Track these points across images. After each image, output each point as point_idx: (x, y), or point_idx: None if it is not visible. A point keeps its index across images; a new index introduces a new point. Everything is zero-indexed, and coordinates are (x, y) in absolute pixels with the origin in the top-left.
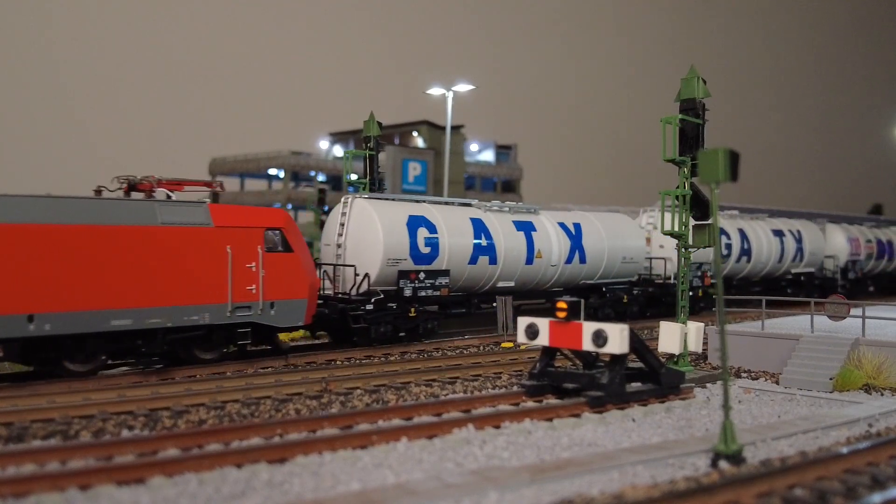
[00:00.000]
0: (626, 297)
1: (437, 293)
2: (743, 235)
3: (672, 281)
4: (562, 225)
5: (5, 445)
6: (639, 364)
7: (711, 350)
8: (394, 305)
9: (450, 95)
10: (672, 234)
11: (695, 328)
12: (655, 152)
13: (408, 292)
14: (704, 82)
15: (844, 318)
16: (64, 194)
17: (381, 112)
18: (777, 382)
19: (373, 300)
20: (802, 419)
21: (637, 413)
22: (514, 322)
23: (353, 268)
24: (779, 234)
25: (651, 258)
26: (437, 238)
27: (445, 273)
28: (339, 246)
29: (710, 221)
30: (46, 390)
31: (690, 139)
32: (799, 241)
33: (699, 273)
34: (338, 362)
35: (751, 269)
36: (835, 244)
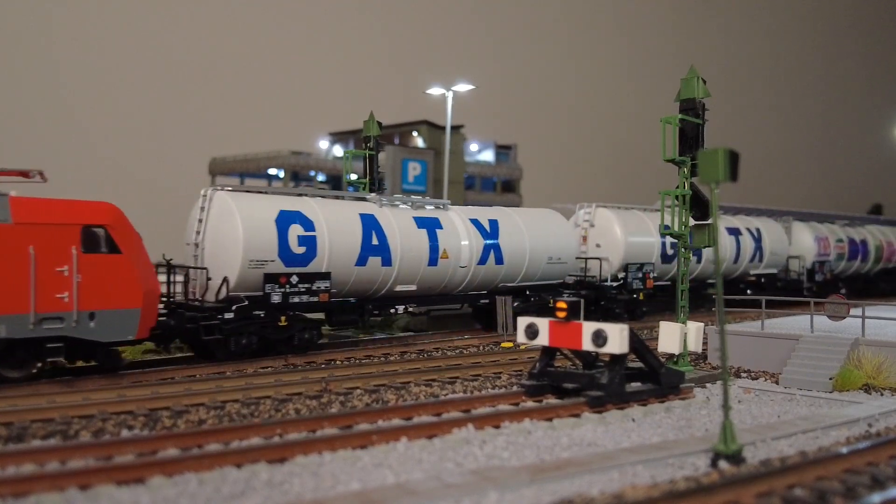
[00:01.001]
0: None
1: (315, 299)
2: (735, 233)
3: (609, 283)
4: (475, 222)
5: (5, 445)
6: (638, 364)
7: (711, 350)
8: (262, 313)
9: (450, 95)
10: (672, 235)
11: (694, 328)
12: (655, 152)
13: (276, 298)
14: (704, 82)
15: (844, 318)
16: None
17: (381, 112)
18: (777, 382)
19: (234, 308)
20: (802, 419)
21: (637, 413)
22: (514, 322)
23: (204, 271)
24: (734, 232)
25: (587, 258)
26: (314, 236)
27: (325, 276)
28: (196, 245)
29: (709, 221)
30: (46, 390)
31: (690, 139)
32: (758, 239)
33: (640, 275)
34: (338, 362)
35: (702, 271)
36: (801, 244)
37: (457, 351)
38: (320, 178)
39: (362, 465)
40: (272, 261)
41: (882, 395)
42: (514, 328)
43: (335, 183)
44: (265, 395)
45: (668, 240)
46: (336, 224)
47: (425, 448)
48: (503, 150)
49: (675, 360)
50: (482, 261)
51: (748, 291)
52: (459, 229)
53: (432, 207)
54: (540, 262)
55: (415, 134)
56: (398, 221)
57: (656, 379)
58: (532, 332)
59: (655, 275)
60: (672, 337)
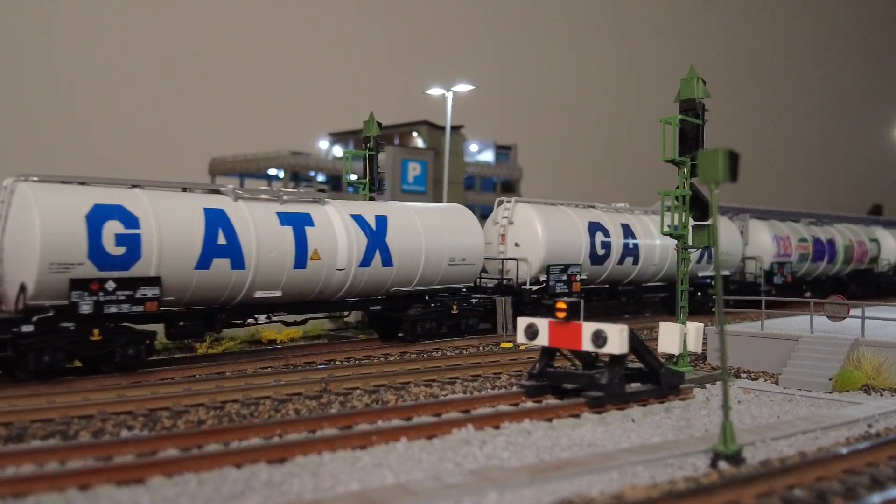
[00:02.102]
0: (456, 306)
1: (140, 308)
2: (628, 232)
3: (528, 286)
4: (357, 218)
5: (5, 445)
6: (638, 364)
7: (711, 350)
8: (71, 326)
9: (449, 96)
10: (672, 235)
11: (694, 329)
12: (655, 152)
13: (86, 308)
14: (704, 83)
15: (844, 318)
16: None
17: (381, 112)
18: (776, 383)
19: (34, 319)
20: (802, 419)
21: (636, 413)
22: (514, 322)
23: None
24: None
25: (503, 259)
26: (137, 235)
27: (152, 281)
28: None
29: (709, 222)
30: (46, 390)
31: (690, 139)
32: None
33: (565, 277)
34: (337, 362)
35: (640, 273)
36: (758, 243)
37: (456, 351)
38: (320, 178)
39: (362, 465)
40: (80, 264)
41: (882, 395)
42: (514, 328)
43: (335, 183)
44: (265, 395)
45: (599, 239)
46: (170, 220)
47: (425, 448)
48: (503, 151)
49: (674, 360)
50: (365, 262)
51: (698, 294)
52: (336, 226)
53: (301, 201)
54: (439, 264)
55: (415, 134)
56: (255, 217)
57: (656, 379)
58: (532, 332)
59: (584, 277)
60: (672, 337)
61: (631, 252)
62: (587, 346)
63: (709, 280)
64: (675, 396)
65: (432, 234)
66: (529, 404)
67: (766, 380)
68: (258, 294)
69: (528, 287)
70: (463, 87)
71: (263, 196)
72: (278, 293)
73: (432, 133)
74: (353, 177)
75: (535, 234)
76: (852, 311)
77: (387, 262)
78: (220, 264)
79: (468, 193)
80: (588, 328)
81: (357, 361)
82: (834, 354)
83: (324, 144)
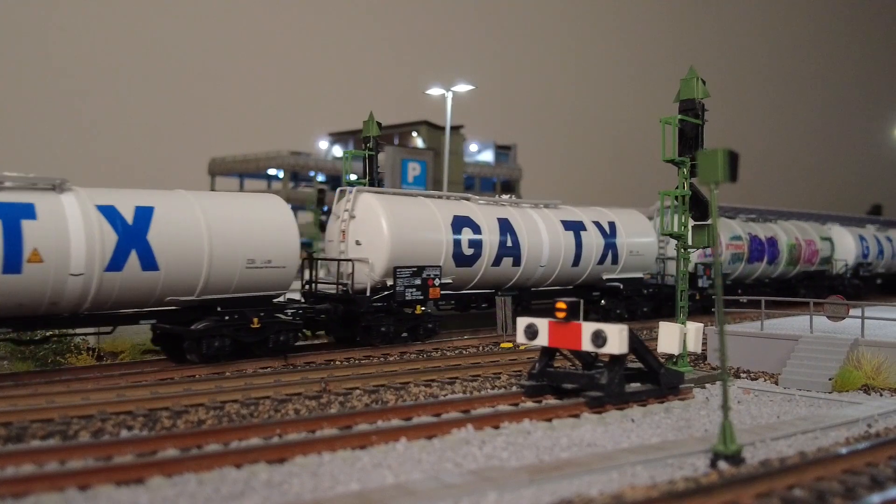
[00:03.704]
0: (258, 319)
1: None
2: (506, 228)
3: (367, 293)
4: (106, 210)
5: (4, 445)
6: (638, 364)
7: (711, 350)
8: None
9: (449, 95)
10: (672, 235)
11: (694, 329)
12: (655, 152)
13: None
14: (704, 83)
15: (843, 318)
16: None
17: (381, 112)
18: (776, 383)
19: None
20: (801, 420)
21: (636, 413)
22: (514, 322)
23: None
24: (574, 226)
25: (339, 260)
26: None
27: None
28: None
29: (709, 222)
30: (46, 390)
31: (690, 139)
32: (610, 236)
33: (418, 281)
34: (337, 362)
35: (524, 277)
36: None
37: (456, 351)
38: (320, 178)
39: (361, 465)
40: None
41: (881, 395)
42: (514, 329)
43: (335, 183)
44: (264, 395)
45: (466, 236)
46: None
47: (424, 448)
48: (503, 151)
49: (674, 360)
50: (114, 266)
51: (602, 302)
52: (71, 220)
53: (29, 189)
54: (233, 268)
55: (414, 134)
56: None
57: (656, 379)
58: (531, 332)
59: (448, 281)
60: (671, 337)
61: (509, 252)
62: (587, 346)
63: (619, 285)
64: (675, 396)
65: (221, 231)
66: (529, 404)
67: (765, 380)
68: None
69: (367, 295)
70: (463, 87)
71: None
72: None
73: (432, 133)
74: (353, 177)
75: (379, 229)
76: (852, 311)
77: (149, 264)
78: None
79: (468, 193)
80: (588, 328)
81: (356, 361)
82: (833, 354)
83: (323, 144)
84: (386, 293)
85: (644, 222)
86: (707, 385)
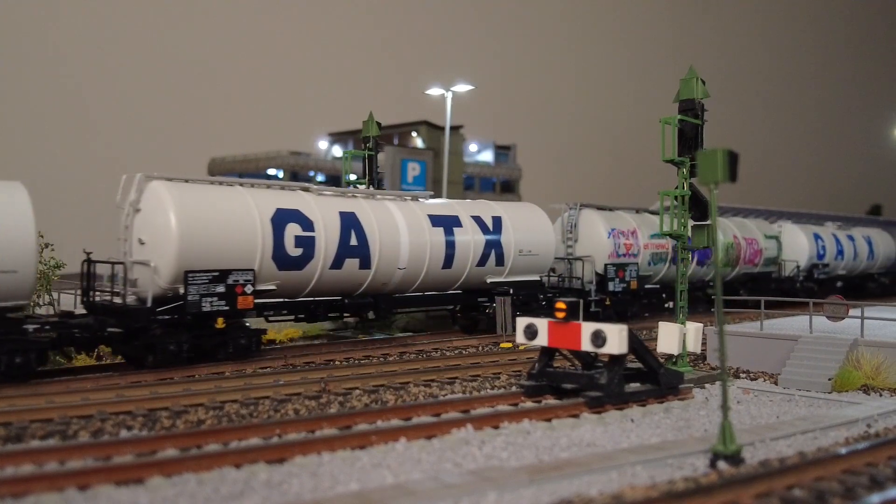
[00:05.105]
0: None
1: None
2: (351, 223)
3: (147, 304)
4: None
5: (4, 445)
6: (637, 364)
7: (710, 350)
8: None
9: (449, 95)
10: (671, 235)
11: (693, 329)
12: (655, 152)
13: None
14: (703, 83)
15: (843, 318)
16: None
17: (381, 112)
18: (776, 383)
19: None
20: (801, 420)
21: (636, 413)
22: (514, 322)
23: None
24: (445, 222)
25: (114, 263)
26: None
27: None
28: None
29: (709, 222)
30: (45, 390)
31: (689, 139)
32: (493, 233)
33: (221, 288)
34: (336, 362)
35: (378, 281)
36: (591, 241)
37: (456, 351)
38: (319, 178)
39: (361, 465)
40: None
41: (881, 395)
42: (514, 329)
43: (334, 183)
44: (264, 395)
45: (292, 233)
46: None
47: (424, 448)
48: (502, 151)
49: (674, 360)
50: None
51: (488, 311)
52: None
53: None
54: None
55: (414, 134)
56: None
57: (655, 379)
58: (531, 332)
59: (271, 287)
60: (671, 337)
61: (355, 251)
62: (586, 346)
63: (508, 289)
64: (675, 396)
65: None
66: (529, 404)
67: (765, 380)
68: None
69: (148, 306)
70: (462, 87)
71: None
72: None
73: (432, 133)
74: (353, 177)
75: (166, 225)
76: (851, 312)
77: None
78: None
79: (467, 193)
80: (587, 328)
81: (356, 361)
82: (833, 354)
83: (323, 144)
84: (175, 304)
85: (541, 218)
86: (707, 385)
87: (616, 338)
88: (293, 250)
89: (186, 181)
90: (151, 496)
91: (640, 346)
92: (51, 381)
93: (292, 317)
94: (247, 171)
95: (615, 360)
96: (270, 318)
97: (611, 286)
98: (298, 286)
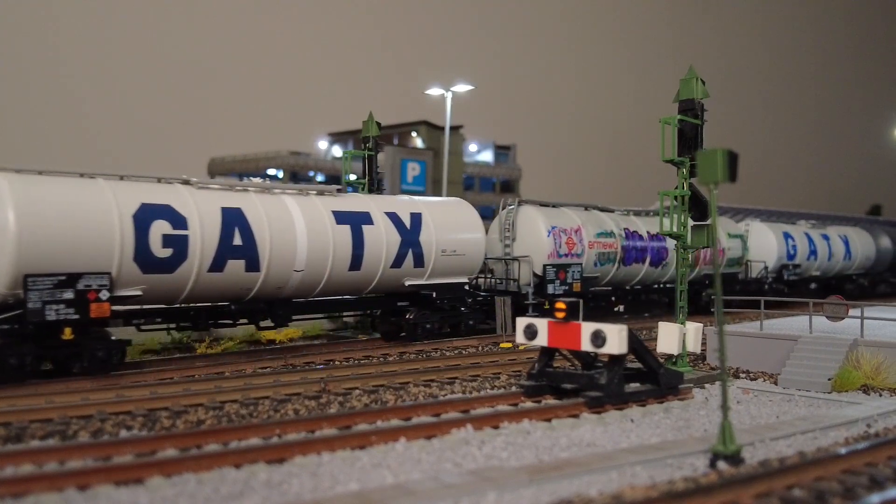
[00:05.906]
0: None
1: None
2: (234, 220)
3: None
4: None
5: (4, 445)
6: (637, 364)
7: (710, 351)
8: None
9: (449, 95)
10: (671, 235)
11: (693, 329)
12: (655, 152)
13: None
14: (703, 83)
15: (843, 318)
16: None
17: (380, 112)
18: (775, 383)
19: None
20: (801, 420)
21: (635, 413)
22: (513, 322)
23: None
24: (353, 219)
25: None
26: None
27: None
28: None
29: (708, 222)
30: (45, 390)
31: (689, 139)
32: (412, 232)
33: (70, 294)
34: (336, 362)
35: (268, 285)
36: (526, 240)
37: (455, 351)
38: (319, 178)
39: (361, 465)
40: None
41: (881, 395)
42: (513, 329)
43: (334, 183)
44: (264, 395)
45: (160, 231)
46: None
47: (424, 448)
48: (502, 151)
49: (673, 360)
50: None
51: (408, 316)
52: None
53: None
54: None
55: (414, 134)
56: None
57: (655, 379)
58: (531, 332)
59: (136, 293)
60: (671, 337)
61: (239, 252)
62: (586, 346)
63: (431, 293)
64: (674, 396)
65: None
66: (528, 404)
67: (764, 380)
68: None
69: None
70: (462, 87)
71: None
72: None
73: (431, 133)
74: (353, 177)
75: (4, 222)
76: (851, 311)
77: None
78: None
79: (467, 193)
80: (587, 328)
81: (356, 361)
82: (833, 354)
83: (323, 144)
84: (17, 312)
85: (469, 215)
86: (706, 385)
87: (616, 338)
88: (161, 251)
89: (40, 173)
90: (151, 496)
91: (639, 346)
92: (50, 381)
93: (170, 325)
94: (247, 171)
95: (615, 360)
96: (142, 328)
97: (550, 288)
98: (171, 292)
